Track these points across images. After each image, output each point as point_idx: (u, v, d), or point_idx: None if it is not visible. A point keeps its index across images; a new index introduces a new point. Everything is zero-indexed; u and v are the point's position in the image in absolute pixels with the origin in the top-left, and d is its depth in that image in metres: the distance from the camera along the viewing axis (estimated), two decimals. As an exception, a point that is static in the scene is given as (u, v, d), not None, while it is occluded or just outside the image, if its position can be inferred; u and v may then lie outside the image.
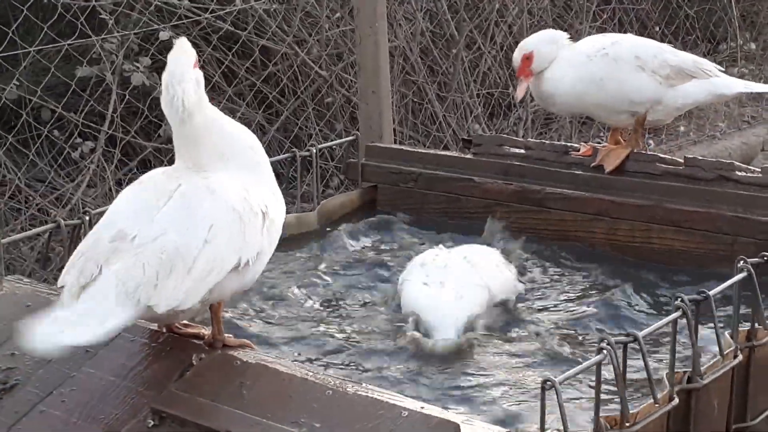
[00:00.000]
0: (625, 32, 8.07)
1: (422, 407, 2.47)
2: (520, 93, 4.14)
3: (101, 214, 3.32)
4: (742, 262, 2.96)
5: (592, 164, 4.13)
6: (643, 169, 4.02)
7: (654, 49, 4.16)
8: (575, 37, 7.76)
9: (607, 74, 4.07)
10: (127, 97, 5.85)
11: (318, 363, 3.10)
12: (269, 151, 6.29)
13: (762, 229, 3.70)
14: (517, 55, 4.11)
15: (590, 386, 2.80)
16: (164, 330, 2.81)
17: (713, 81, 4.16)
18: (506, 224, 4.09)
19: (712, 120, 8.29)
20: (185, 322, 2.82)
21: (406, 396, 2.62)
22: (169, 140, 3.65)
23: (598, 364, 2.47)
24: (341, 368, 3.10)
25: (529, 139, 4.78)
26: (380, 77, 4.80)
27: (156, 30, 5.97)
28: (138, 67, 5.91)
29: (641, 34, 8.17)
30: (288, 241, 3.97)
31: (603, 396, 2.51)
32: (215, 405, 2.53)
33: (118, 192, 5.44)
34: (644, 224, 3.93)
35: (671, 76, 4.09)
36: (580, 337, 3.31)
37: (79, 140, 5.80)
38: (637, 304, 3.54)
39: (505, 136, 4.85)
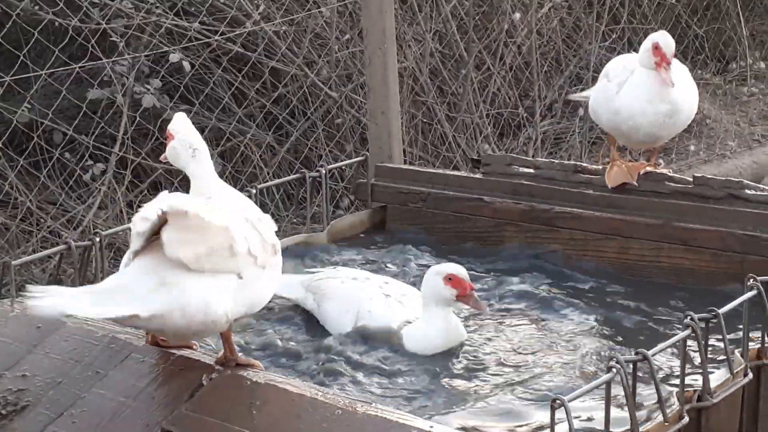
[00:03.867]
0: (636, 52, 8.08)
1: (431, 426, 2.47)
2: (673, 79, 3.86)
3: (112, 235, 3.35)
4: (751, 280, 2.96)
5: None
6: (653, 188, 4.01)
7: None
8: (584, 57, 7.84)
9: (696, 94, 4.01)
10: (138, 119, 5.88)
11: (326, 382, 3.09)
12: (279, 172, 6.37)
13: (772, 247, 3.70)
14: (672, 45, 3.92)
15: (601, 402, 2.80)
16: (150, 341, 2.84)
17: None
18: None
19: (722, 139, 8.28)
20: None
21: (416, 416, 2.62)
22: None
23: (608, 383, 2.47)
24: (349, 387, 3.09)
25: (539, 159, 4.78)
26: (389, 98, 4.80)
27: (166, 52, 6.01)
28: (149, 89, 5.95)
29: (650, 54, 8.18)
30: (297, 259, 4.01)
31: (613, 414, 2.51)
32: (225, 425, 2.53)
33: (129, 214, 5.50)
34: (654, 243, 3.93)
35: None
36: (590, 355, 3.30)
37: (90, 162, 5.83)
38: (646, 323, 3.53)
39: (514, 155, 4.85)
